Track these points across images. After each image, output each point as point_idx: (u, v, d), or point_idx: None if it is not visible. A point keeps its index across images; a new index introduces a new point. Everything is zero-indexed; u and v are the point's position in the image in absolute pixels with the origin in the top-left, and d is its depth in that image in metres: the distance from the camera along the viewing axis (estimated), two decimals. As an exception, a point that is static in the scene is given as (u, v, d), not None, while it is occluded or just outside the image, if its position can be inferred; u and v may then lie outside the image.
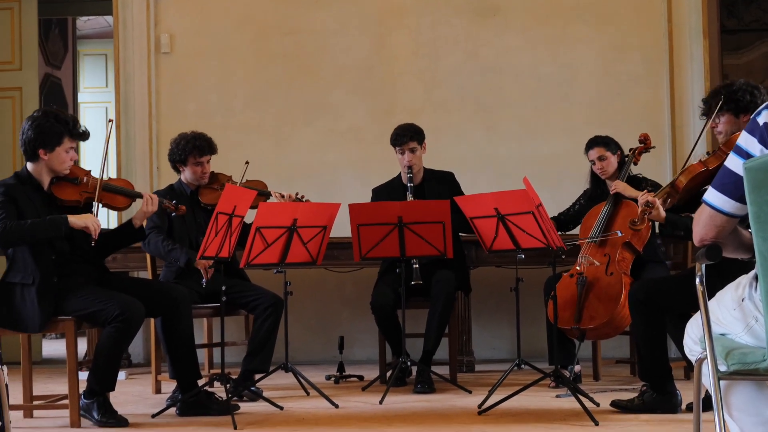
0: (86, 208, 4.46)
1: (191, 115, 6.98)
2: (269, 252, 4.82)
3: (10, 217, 4.25)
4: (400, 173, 5.74)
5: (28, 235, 4.24)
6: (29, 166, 4.44)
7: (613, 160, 5.45)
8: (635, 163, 5.47)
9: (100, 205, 4.54)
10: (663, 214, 4.33)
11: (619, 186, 5.29)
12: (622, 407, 4.38)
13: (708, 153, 4.24)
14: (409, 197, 5.50)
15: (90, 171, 4.57)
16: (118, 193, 4.59)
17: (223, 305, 4.68)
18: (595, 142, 5.49)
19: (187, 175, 5.37)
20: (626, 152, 5.51)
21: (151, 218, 4.95)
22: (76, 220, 4.30)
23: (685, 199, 4.23)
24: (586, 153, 5.53)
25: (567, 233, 5.72)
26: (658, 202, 4.30)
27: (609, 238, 5.17)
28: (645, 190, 4.66)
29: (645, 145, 5.46)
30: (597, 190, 5.57)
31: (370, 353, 6.52)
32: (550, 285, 5.18)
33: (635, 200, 5.17)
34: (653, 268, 5.21)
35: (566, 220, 5.68)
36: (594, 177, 5.58)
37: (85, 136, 4.52)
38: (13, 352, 4.92)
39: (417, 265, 5.27)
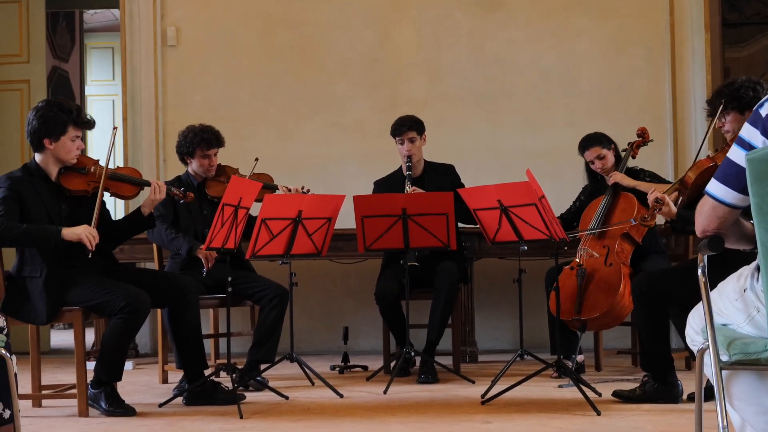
0: (93, 198, 4.45)
1: (197, 107, 7.00)
2: (275, 243, 4.84)
3: (8, 215, 4.24)
4: (401, 166, 5.76)
5: (19, 239, 4.25)
6: (37, 157, 4.44)
7: (610, 156, 5.46)
8: (633, 157, 5.49)
9: (108, 193, 4.55)
10: (674, 209, 4.29)
11: (617, 176, 5.31)
12: (623, 397, 4.41)
13: (717, 149, 4.25)
14: (408, 186, 5.51)
15: (98, 160, 4.56)
16: (125, 182, 4.59)
17: (229, 296, 4.69)
18: (589, 142, 5.47)
19: (194, 167, 5.40)
20: (624, 146, 5.53)
21: (156, 207, 4.96)
22: (69, 233, 4.25)
23: (694, 195, 4.20)
24: (581, 154, 5.51)
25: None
26: (668, 198, 4.30)
27: (609, 230, 5.20)
28: (653, 189, 4.66)
29: (643, 138, 5.49)
30: (596, 185, 5.58)
31: (375, 344, 6.55)
32: (551, 276, 5.22)
33: (633, 190, 5.21)
34: (654, 258, 5.23)
35: (570, 218, 5.65)
36: (591, 173, 5.58)
37: (89, 124, 4.52)
38: (21, 341, 4.94)
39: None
